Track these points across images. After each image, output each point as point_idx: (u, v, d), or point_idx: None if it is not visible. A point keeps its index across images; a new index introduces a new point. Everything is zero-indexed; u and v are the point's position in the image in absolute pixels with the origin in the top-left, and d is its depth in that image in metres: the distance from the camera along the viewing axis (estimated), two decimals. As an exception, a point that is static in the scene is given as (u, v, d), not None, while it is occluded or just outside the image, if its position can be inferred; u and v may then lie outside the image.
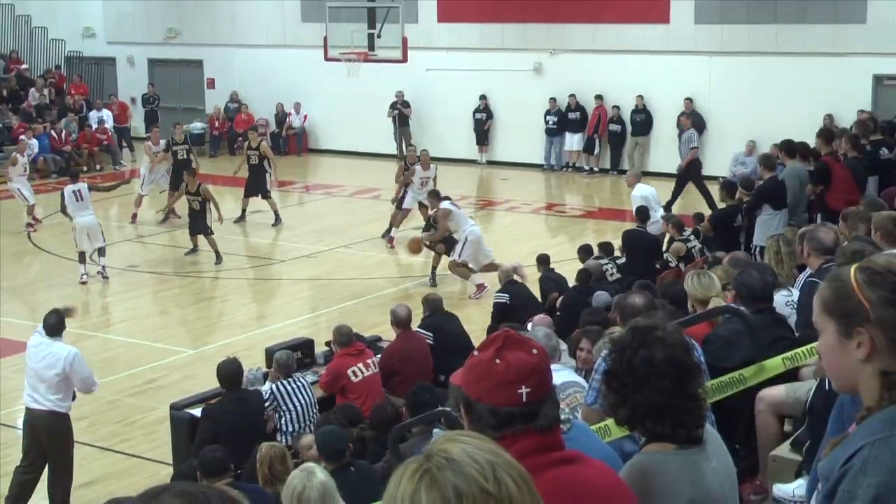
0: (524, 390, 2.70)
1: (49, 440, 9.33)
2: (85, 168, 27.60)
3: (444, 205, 16.26)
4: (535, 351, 2.76)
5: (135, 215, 21.38)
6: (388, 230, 19.25)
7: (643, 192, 16.15)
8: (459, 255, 15.87)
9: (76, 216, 17.10)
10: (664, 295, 8.09)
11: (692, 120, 22.96)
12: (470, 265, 15.93)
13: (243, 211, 20.96)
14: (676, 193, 20.97)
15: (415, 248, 16.69)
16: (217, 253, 18.13)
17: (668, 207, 18.71)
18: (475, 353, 2.81)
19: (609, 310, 8.98)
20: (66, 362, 9.21)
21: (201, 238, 18.43)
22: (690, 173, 21.18)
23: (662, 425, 3.01)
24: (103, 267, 17.36)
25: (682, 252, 13.60)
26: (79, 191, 17.31)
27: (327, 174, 27.60)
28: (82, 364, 9.38)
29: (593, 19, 25.64)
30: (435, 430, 6.21)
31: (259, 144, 20.88)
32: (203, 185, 18.77)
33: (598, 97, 25.91)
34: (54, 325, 9.35)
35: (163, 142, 21.90)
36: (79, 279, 17.05)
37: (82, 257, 17.15)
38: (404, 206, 19.00)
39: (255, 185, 20.77)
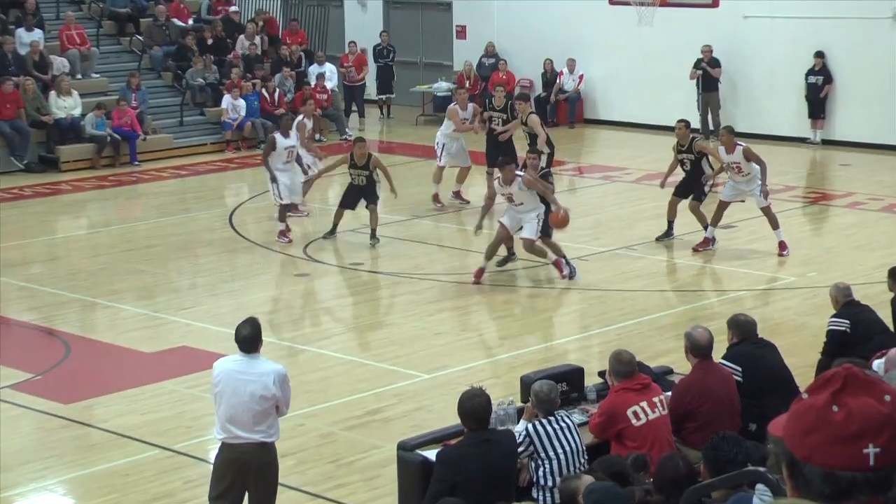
0: (872, 450, 2.66)
1: (258, 478, 9.62)
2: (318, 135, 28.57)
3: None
4: (888, 398, 2.71)
5: (436, 195, 22.05)
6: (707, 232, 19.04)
7: None
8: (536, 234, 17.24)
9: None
10: None
11: None
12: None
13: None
14: None
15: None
16: (373, 231, 19.37)
17: None
18: (804, 395, 2.78)
19: None
20: (276, 383, 9.41)
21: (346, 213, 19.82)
22: None
23: None
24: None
25: None
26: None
27: (607, 152, 27.70)
28: (289, 385, 9.65)
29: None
30: (756, 498, 6.12)
31: (528, 118, 21.13)
32: (375, 157, 19.76)
33: None
34: (251, 338, 9.51)
35: (471, 106, 22.46)
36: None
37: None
38: (723, 198, 18.72)
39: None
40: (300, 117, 22.23)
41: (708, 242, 18.78)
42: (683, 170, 18.99)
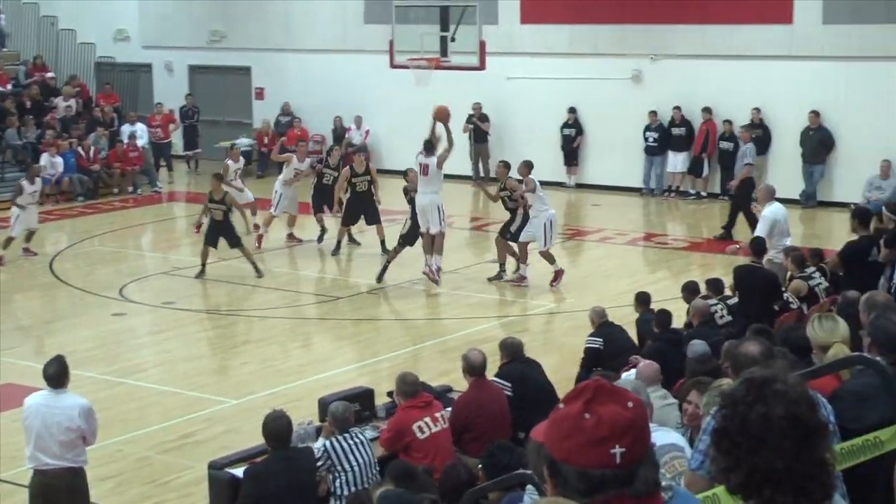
0: (618, 450, 2.70)
1: (69, 501, 9.43)
2: (116, 190, 28.08)
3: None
4: (630, 404, 2.76)
5: (260, 237, 21.83)
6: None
7: (776, 212, 16.00)
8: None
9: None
10: (784, 341, 8.00)
11: (751, 135, 23.00)
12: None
13: (339, 242, 21.42)
14: (732, 219, 21.63)
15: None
16: (254, 265, 19.54)
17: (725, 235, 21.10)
18: (561, 405, 2.80)
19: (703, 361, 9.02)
20: (81, 416, 9.29)
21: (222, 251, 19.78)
22: (740, 194, 21.35)
23: (783, 494, 2.96)
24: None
25: (803, 291, 13.46)
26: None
27: (391, 198, 27.58)
28: (95, 416, 9.52)
29: (702, 19, 25.56)
30: (527, 497, 6.20)
31: (367, 167, 21.31)
32: (229, 194, 20.00)
33: (706, 110, 25.77)
34: (57, 375, 9.40)
35: (308, 160, 22.36)
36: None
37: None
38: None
39: (358, 213, 21.26)
40: (227, 160, 23.17)
41: (522, 279, 18.84)
42: (507, 209, 19.16)
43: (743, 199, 21.24)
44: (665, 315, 12.19)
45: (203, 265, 19.61)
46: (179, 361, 15.70)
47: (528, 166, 18.73)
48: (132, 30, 33.41)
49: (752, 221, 20.85)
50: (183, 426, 13.09)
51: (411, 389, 10.07)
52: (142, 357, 16.24)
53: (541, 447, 2.82)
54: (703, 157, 26.11)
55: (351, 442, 9.51)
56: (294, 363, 15.54)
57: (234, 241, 19.67)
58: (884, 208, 14.33)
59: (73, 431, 9.28)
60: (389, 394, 10.90)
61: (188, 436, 12.82)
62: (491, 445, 8.23)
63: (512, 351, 11.20)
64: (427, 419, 9.87)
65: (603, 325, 12.63)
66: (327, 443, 9.50)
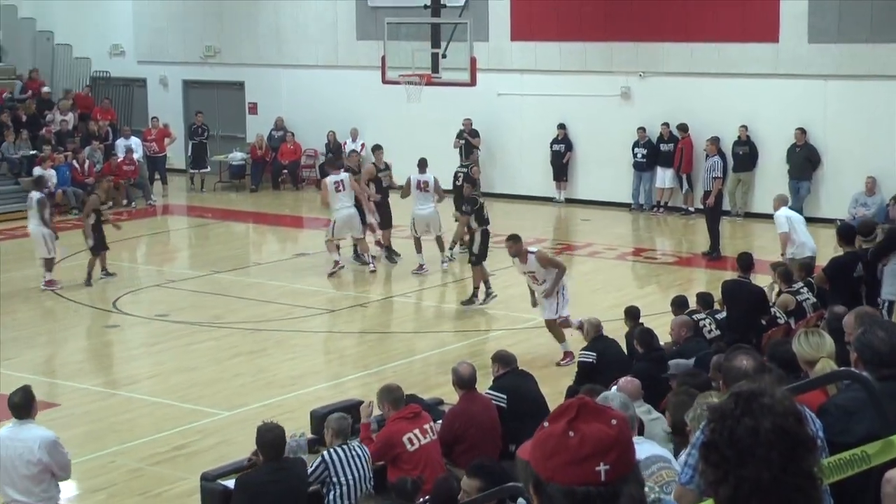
0: (602, 467, 2.68)
1: None
2: (110, 203, 28.03)
3: None
4: (614, 422, 2.74)
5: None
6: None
7: (788, 213, 16.95)
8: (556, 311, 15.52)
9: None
10: (771, 356, 7.97)
11: (717, 146, 23.38)
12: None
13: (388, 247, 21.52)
14: (714, 235, 21.75)
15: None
16: (90, 274, 19.96)
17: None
18: (545, 424, 2.78)
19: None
20: (42, 449, 8.83)
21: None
22: (712, 209, 21.60)
23: (771, 506, 2.94)
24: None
25: (790, 305, 13.45)
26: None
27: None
28: (61, 450, 9.04)
29: (690, 37, 25.60)
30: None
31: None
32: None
33: (682, 127, 25.73)
34: (20, 405, 8.99)
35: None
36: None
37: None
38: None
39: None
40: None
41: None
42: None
43: (714, 212, 21.46)
44: (647, 334, 11.91)
45: (89, 272, 20.03)
46: (172, 373, 15.65)
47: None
48: (127, 45, 33.42)
49: (716, 238, 21.47)
50: (175, 438, 13.03)
51: (394, 396, 10.10)
52: (135, 368, 16.19)
53: (527, 465, 2.79)
54: (681, 174, 26.07)
55: (350, 453, 9.49)
56: (286, 375, 15.49)
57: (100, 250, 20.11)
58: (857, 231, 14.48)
59: (35, 465, 8.80)
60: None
61: (181, 447, 12.76)
62: (475, 460, 8.23)
63: (506, 363, 11.20)
64: (416, 431, 9.85)
65: (597, 340, 12.55)
66: (325, 453, 9.49)
